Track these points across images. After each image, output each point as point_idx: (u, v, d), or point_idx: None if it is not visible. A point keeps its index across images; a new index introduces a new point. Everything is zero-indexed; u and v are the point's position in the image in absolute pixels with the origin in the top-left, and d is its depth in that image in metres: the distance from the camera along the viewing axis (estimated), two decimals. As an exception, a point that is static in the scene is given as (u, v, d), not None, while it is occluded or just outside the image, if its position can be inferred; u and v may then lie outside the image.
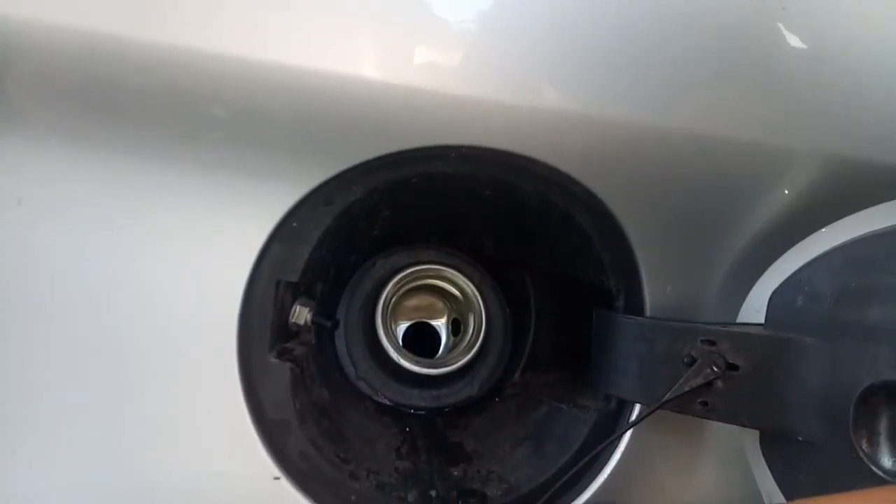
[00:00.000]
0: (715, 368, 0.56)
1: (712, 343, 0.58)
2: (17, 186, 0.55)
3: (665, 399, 0.58)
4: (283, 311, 0.65)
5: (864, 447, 0.49)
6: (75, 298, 0.57)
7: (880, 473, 0.48)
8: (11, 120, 0.55)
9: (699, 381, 0.58)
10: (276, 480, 0.60)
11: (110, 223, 0.57)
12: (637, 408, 0.66)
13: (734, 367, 0.57)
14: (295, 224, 0.61)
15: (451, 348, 0.83)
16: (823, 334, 0.53)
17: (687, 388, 0.58)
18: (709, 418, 0.59)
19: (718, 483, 0.68)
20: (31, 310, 0.57)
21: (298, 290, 0.66)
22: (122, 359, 0.59)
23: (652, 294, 0.65)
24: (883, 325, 0.49)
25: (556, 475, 0.66)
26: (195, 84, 0.53)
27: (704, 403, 0.58)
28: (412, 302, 0.85)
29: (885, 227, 0.52)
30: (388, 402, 0.77)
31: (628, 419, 0.66)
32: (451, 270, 0.79)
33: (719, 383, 0.57)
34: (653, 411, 0.59)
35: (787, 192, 0.62)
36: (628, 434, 0.66)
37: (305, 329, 0.68)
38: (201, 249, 0.59)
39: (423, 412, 0.78)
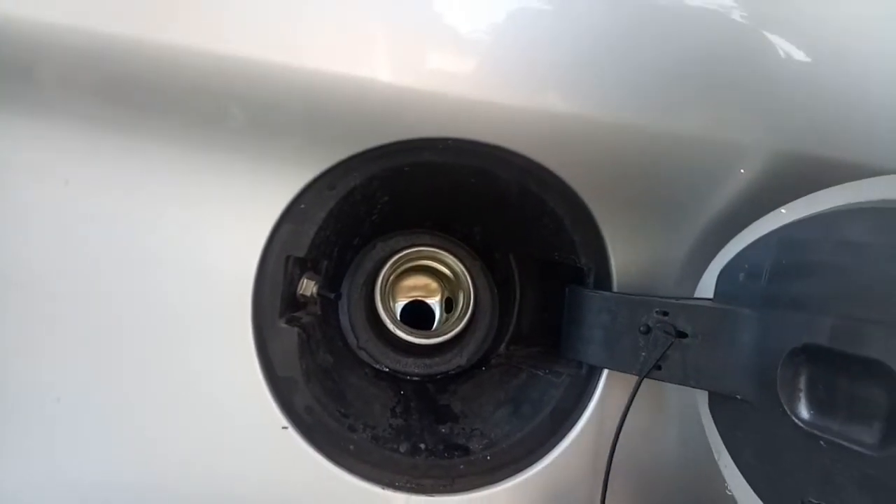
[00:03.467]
0: (666, 334, 0.64)
1: (665, 314, 0.65)
2: (64, 169, 0.63)
3: (649, 368, 0.65)
4: (292, 284, 0.72)
5: (787, 402, 0.56)
6: (116, 266, 0.65)
7: (800, 424, 0.55)
8: (53, 110, 0.62)
9: (662, 348, 0.65)
10: (284, 430, 0.67)
11: (142, 202, 0.64)
12: (605, 374, 0.74)
13: (683, 335, 0.64)
14: (303, 206, 0.68)
15: (443, 323, 0.90)
16: (758, 306, 0.59)
17: (658, 356, 0.65)
18: (662, 380, 0.66)
19: (677, 440, 0.74)
20: (76, 278, 0.65)
21: (306, 266, 0.73)
22: (151, 321, 0.66)
23: (618, 272, 0.72)
24: (805, 296, 0.55)
25: (530, 432, 0.73)
26: (215, 82, 0.60)
27: (658, 367, 0.66)
28: (409, 282, 0.92)
29: (811, 213, 0.58)
30: (385, 369, 0.85)
31: (597, 384, 0.73)
32: (443, 253, 0.86)
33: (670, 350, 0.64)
34: (641, 380, 0.66)
35: (742, 171, 0.68)
36: (597, 396, 0.73)
37: (312, 301, 0.75)
38: (221, 227, 0.66)
39: (416, 378, 0.85)
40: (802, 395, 0.56)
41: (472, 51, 0.62)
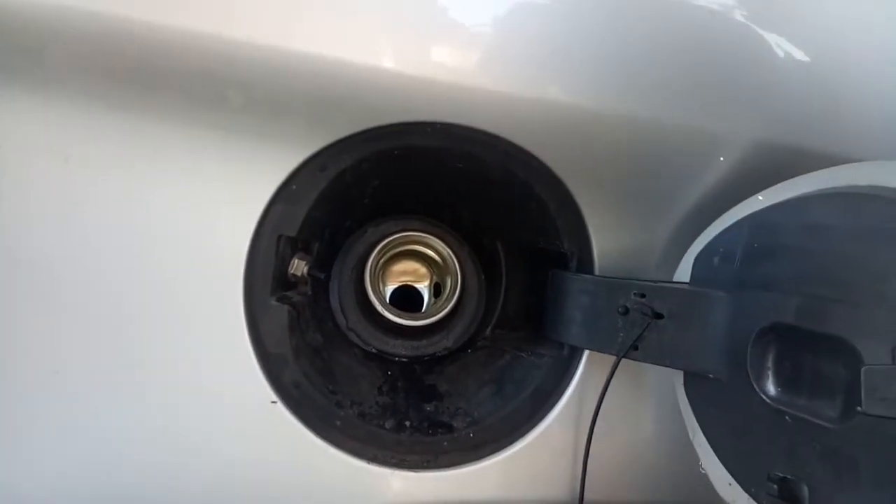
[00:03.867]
0: (643, 315, 0.66)
1: (643, 296, 0.67)
2: (65, 146, 0.64)
3: (626, 348, 0.68)
4: (283, 263, 0.73)
5: (756, 380, 0.58)
6: (112, 243, 0.66)
7: (768, 400, 0.57)
8: (54, 87, 0.63)
9: (639, 329, 0.68)
10: (273, 404, 0.69)
11: (140, 180, 0.66)
12: (585, 355, 0.76)
13: (660, 316, 0.66)
14: (294, 187, 0.70)
15: (431, 307, 0.92)
16: (730, 288, 0.61)
17: (635, 336, 0.68)
18: (639, 360, 0.68)
19: (655, 420, 0.76)
20: (72, 254, 0.67)
21: (297, 246, 0.75)
22: (146, 297, 0.68)
23: (600, 256, 0.74)
24: (774, 278, 0.58)
25: (512, 411, 0.76)
26: (212, 65, 0.61)
27: (636, 347, 0.68)
28: (399, 266, 0.94)
29: (780, 201, 0.60)
30: (373, 350, 0.86)
31: (578, 364, 0.76)
32: (432, 238, 0.88)
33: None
34: (619, 360, 0.68)
35: (722, 159, 0.70)
36: (578, 376, 0.75)
37: (302, 280, 0.77)
38: (215, 206, 0.68)
39: (404, 359, 0.87)
40: (770, 373, 0.58)
41: (460, 38, 0.64)
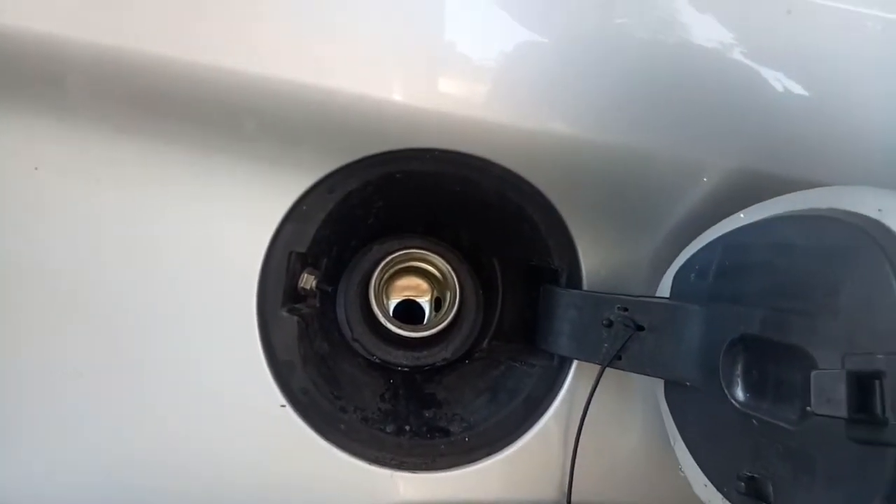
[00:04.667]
0: (626, 327, 0.71)
1: (626, 309, 0.72)
2: (95, 168, 0.70)
3: (610, 357, 0.72)
4: (293, 277, 0.79)
5: (727, 387, 0.63)
6: (138, 258, 0.72)
7: (737, 405, 0.62)
8: (84, 116, 0.69)
9: (622, 340, 0.72)
10: (282, 408, 0.74)
11: (165, 200, 0.72)
12: (574, 365, 0.81)
13: (641, 328, 0.71)
14: (304, 207, 0.75)
15: (431, 320, 0.97)
16: (705, 302, 0.66)
17: (618, 347, 0.72)
18: (623, 369, 0.73)
19: (640, 427, 0.80)
20: (102, 266, 0.73)
21: (307, 261, 0.80)
22: (166, 308, 0.73)
23: (588, 273, 0.79)
24: (743, 292, 0.62)
25: (505, 417, 0.80)
26: (231, 96, 0.66)
27: (619, 357, 0.72)
28: (402, 282, 0.99)
29: (749, 222, 0.66)
30: (377, 360, 0.91)
31: (567, 374, 0.80)
32: (433, 255, 0.93)
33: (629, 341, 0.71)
34: (603, 369, 0.73)
35: (705, 179, 0.75)
36: (567, 385, 0.80)
37: (311, 294, 0.82)
38: (232, 224, 0.74)
39: (405, 369, 0.92)
40: (740, 380, 0.62)
41: (459, 73, 0.69)
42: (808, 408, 0.49)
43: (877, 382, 0.46)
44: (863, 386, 0.47)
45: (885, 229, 0.52)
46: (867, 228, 0.52)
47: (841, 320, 0.52)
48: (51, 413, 0.73)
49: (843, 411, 0.47)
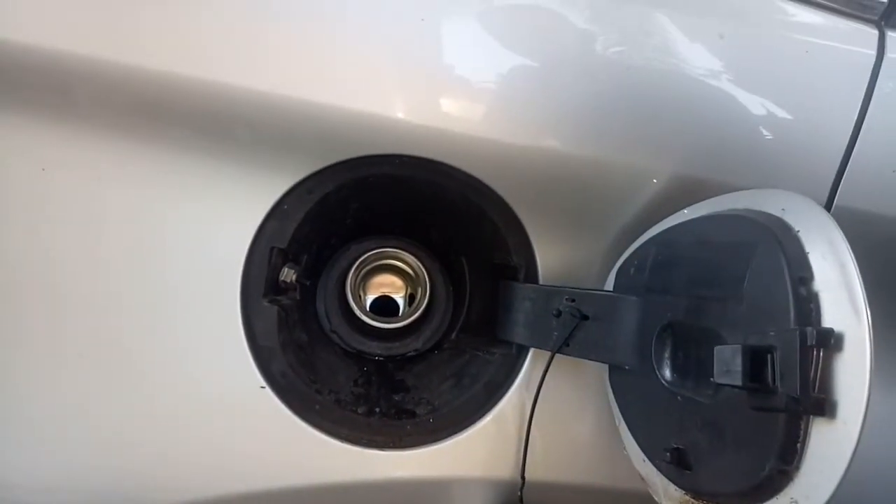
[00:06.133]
0: (573, 317, 0.78)
1: (573, 300, 0.79)
2: (97, 169, 0.77)
3: (559, 344, 0.79)
4: (275, 271, 0.84)
5: (658, 368, 0.69)
6: (128, 252, 0.78)
7: (666, 385, 0.68)
8: (84, 120, 0.75)
9: (570, 329, 0.79)
10: (262, 389, 0.80)
11: (157, 198, 0.77)
12: (531, 353, 0.87)
13: (586, 318, 0.78)
14: (285, 206, 0.81)
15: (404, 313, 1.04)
16: (641, 293, 0.73)
17: (566, 335, 0.79)
18: (570, 355, 0.79)
19: (591, 409, 0.87)
20: (95, 261, 0.79)
21: (287, 257, 0.86)
22: (156, 298, 0.79)
23: (543, 269, 0.86)
24: (671, 284, 0.69)
25: (467, 400, 0.87)
26: (221, 106, 0.73)
27: (567, 344, 0.79)
28: (378, 279, 1.06)
29: (678, 222, 0.73)
30: (352, 350, 0.98)
31: (524, 361, 0.87)
32: (406, 254, 0.99)
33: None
34: (553, 355, 0.80)
35: (655, 181, 0.81)
36: (524, 370, 0.87)
37: (292, 287, 0.88)
38: (218, 221, 0.80)
39: (379, 358, 0.98)
40: (668, 361, 0.69)
41: (425, 87, 0.76)
42: (712, 378, 0.56)
43: (769, 356, 0.53)
44: (757, 359, 0.54)
45: (785, 226, 0.59)
46: (770, 225, 0.60)
47: (745, 305, 0.59)
48: (49, 399, 0.78)
49: (739, 380, 0.54)
